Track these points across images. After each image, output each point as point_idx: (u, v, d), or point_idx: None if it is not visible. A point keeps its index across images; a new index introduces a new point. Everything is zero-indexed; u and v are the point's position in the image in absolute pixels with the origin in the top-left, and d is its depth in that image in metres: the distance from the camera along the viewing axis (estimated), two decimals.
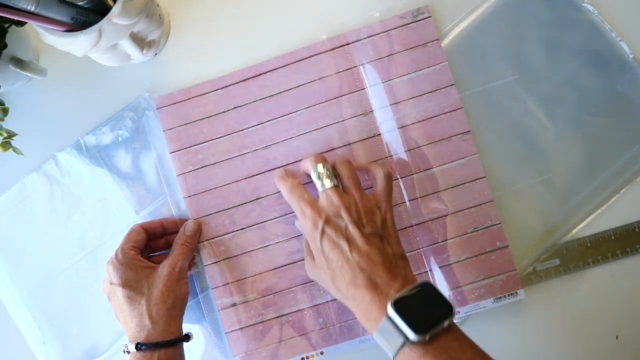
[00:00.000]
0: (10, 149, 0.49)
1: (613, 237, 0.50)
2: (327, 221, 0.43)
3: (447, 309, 0.38)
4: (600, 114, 0.51)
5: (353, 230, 0.42)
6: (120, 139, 0.53)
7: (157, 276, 0.46)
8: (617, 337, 0.50)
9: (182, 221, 0.51)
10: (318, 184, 0.45)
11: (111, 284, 0.47)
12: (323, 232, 0.43)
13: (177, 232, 0.50)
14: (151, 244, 0.51)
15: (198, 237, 0.51)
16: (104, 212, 0.53)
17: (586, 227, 0.50)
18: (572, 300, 0.50)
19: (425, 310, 0.38)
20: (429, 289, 0.39)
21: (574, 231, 0.50)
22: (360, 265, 0.41)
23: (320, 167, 0.45)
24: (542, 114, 0.51)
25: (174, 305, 0.46)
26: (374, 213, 0.44)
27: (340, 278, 0.42)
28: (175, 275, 0.46)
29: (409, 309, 0.38)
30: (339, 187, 0.45)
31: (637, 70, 0.51)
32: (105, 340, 0.52)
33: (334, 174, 0.46)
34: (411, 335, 0.36)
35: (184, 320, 0.47)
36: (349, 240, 0.42)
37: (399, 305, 0.38)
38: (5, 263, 0.53)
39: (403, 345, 0.37)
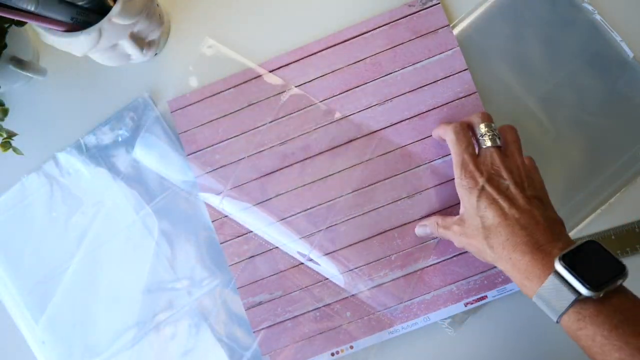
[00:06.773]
0: (10, 149, 0.49)
1: (613, 237, 0.50)
2: (489, 179, 0.42)
3: (619, 267, 0.35)
4: (600, 114, 0.51)
5: (514, 191, 0.41)
6: (120, 139, 0.53)
7: None
8: None
9: None
10: (481, 140, 0.44)
11: None
12: (482, 189, 0.41)
13: None
14: None
15: None
16: (104, 212, 0.53)
17: (586, 227, 0.50)
18: None
19: (595, 267, 0.35)
20: (597, 247, 0.37)
21: (574, 231, 0.50)
22: (520, 222, 0.39)
23: (486, 125, 0.44)
24: (542, 114, 0.51)
25: None
26: (534, 179, 0.43)
27: (495, 237, 0.40)
28: None
29: (577, 265, 0.35)
30: (502, 148, 0.44)
31: (637, 70, 0.51)
32: (105, 340, 0.52)
33: (499, 135, 0.44)
34: (584, 290, 0.34)
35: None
36: (510, 199, 0.41)
37: (566, 261, 0.36)
38: (5, 263, 0.53)
39: (572, 303, 0.35)
